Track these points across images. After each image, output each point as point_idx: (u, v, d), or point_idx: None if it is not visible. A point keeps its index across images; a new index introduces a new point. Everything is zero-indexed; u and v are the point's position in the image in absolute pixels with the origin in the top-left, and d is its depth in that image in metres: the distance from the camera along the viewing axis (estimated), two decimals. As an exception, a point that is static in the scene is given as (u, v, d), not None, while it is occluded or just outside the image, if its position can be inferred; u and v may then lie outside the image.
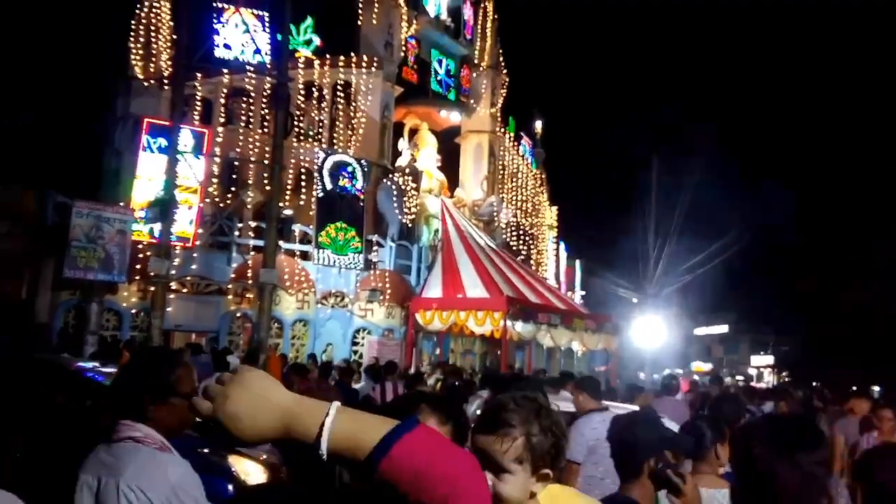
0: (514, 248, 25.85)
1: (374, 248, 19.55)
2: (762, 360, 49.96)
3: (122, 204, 16.03)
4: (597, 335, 20.03)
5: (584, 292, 36.27)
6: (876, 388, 29.56)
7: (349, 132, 20.64)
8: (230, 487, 5.18)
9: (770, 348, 51.16)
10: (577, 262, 36.89)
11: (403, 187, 20.21)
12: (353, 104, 20.78)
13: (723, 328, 50.65)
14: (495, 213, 24.60)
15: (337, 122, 20.66)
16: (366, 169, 19.47)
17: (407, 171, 21.38)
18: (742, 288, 41.13)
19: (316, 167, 18.80)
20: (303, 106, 20.18)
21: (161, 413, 2.31)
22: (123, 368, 2.48)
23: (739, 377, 40.31)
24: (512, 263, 20.94)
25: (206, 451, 5.61)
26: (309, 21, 20.55)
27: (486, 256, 19.74)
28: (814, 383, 25.23)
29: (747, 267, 35.52)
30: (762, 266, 40.06)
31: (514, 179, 28.75)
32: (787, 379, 40.84)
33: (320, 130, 20.45)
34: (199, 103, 18.58)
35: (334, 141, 20.35)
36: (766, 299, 44.94)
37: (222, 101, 19.01)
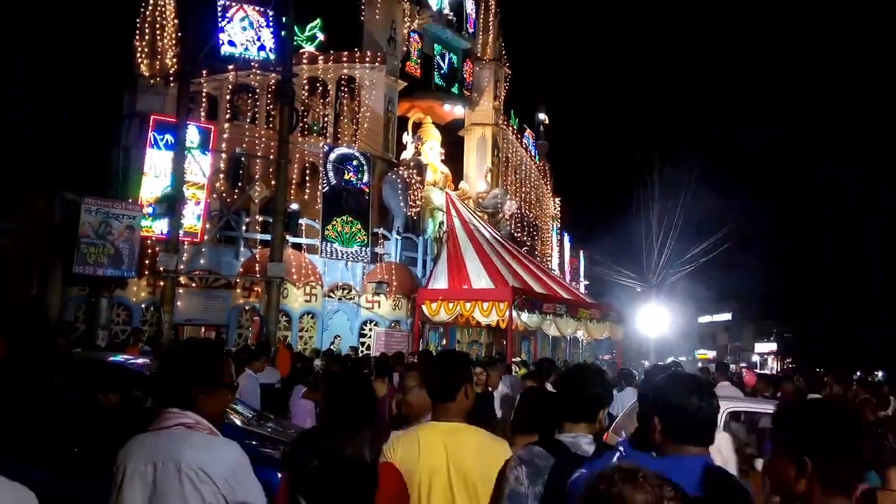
0: (519, 239, 26.01)
1: (380, 240, 19.72)
2: (766, 347, 50.11)
3: (130, 200, 16.21)
4: (601, 324, 20.17)
5: (587, 282, 36.45)
6: (880, 373, 29.70)
7: (354, 127, 20.79)
8: (279, 475, 5.35)
9: (773, 335, 51.33)
10: (581, 253, 37.02)
11: (408, 180, 20.36)
12: (358, 99, 20.92)
13: (726, 316, 50.81)
14: (499, 205, 24.73)
15: (341, 117, 20.81)
16: (371, 163, 19.62)
17: (411, 164, 21.53)
18: (745, 276, 41.20)
19: (321, 161, 18.96)
20: (307, 101, 20.33)
21: (208, 402, 2.44)
22: (168, 360, 2.62)
23: (743, 364, 40.51)
24: (516, 254, 21.08)
25: (253, 442, 5.73)
26: (318, 21, 20.76)
27: (490, 248, 19.88)
28: (817, 369, 25.38)
29: (750, 255, 35.64)
30: (766, 254, 40.18)
31: (518, 171, 28.90)
32: (790, 365, 41.00)
33: (325, 125, 20.61)
34: (204, 100, 18.75)
35: (339, 135, 20.51)
36: (769, 287, 45.10)
37: (228, 97, 19.17)
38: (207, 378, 2.46)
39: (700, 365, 25.59)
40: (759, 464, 5.65)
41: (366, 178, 19.41)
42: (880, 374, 31.71)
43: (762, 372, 29.84)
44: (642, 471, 1.45)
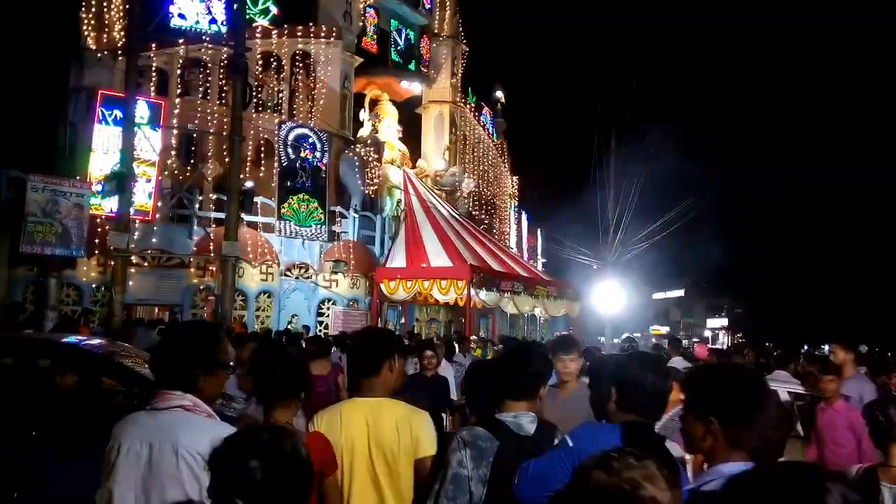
0: (477, 217, 26.06)
1: (338, 219, 19.56)
2: (717, 323, 51.40)
3: (78, 178, 15.74)
4: (558, 301, 20.42)
5: (545, 260, 36.79)
6: (826, 347, 30.71)
7: (309, 103, 20.48)
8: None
9: (724, 311, 52.68)
10: (539, 231, 37.31)
11: (365, 158, 20.20)
12: (313, 75, 20.59)
13: (679, 292, 51.85)
14: (457, 183, 24.72)
15: (296, 93, 20.48)
16: (327, 140, 19.39)
17: (369, 141, 21.35)
18: (698, 253, 42.08)
19: (276, 138, 18.66)
20: (261, 77, 19.93)
21: (208, 383, 2.42)
22: (171, 340, 2.57)
23: (695, 339, 41.50)
24: (475, 232, 21.15)
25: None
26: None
27: (449, 226, 19.90)
28: (766, 343, 26.13)
29: (703, 233, 36.33)
30: (718, 232, 41.01)
31: (476, 149, 28.88)
32: (741, 340, 42.14)
33: (280, 102, 20.25)
34: (154, 74, 18.24)
35: (294, 112, 20.19)
36: (720, 264, 46.16)
37: (178, 71, 18.67)
38: (210, 359, 2.43)
39: (654, 340, 26.15)
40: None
41: (322, 156, 19.19)
42: (826, 347, 32.81)
43: (713, 346, 30.62)
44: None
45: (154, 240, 16.77)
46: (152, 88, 18.06)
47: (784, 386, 6.95)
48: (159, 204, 17.03)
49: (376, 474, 2.87)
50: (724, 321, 50.89)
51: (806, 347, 32.79)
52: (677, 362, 10.38)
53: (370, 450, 2.89)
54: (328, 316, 18.45)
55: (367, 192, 20.11)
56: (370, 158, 20.39)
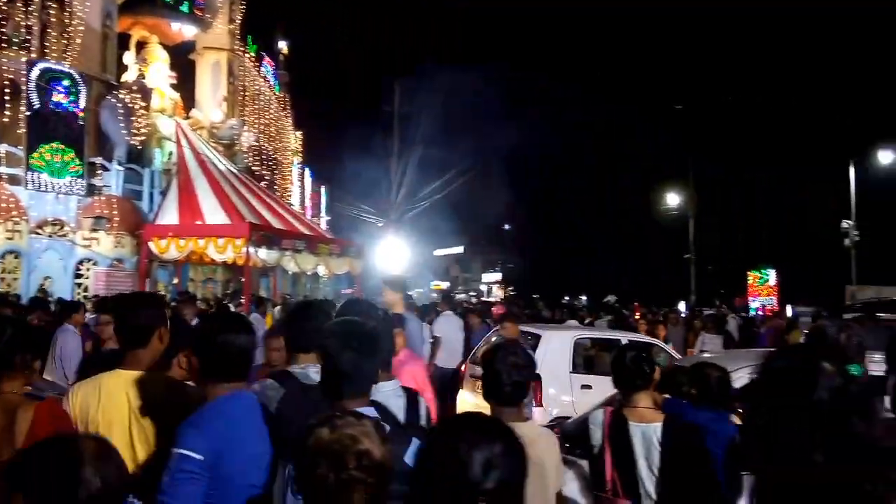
0: (257, 173, 25.17)
1: (99, 171, 17.90)
2: (492, 277, 54.82)
3: None
4: (341, 259, 20.47)
5: (329, 217, 36.66)
6: (584, 298, 34.02)
7: (64, 41, 18.30)
8: None
9: (498, 266, 56.31)
10: (323, 188, 37.01)
11: (131, 105, 18.60)
12: (69, 10, 18.40)
13: (459, 249, 54.39)
14: (236, 137, 23.66)
15: (49, 29, 18.18)
16: (85, 83, 17.55)
17: (134, 87, 19.64)
18: (476, 211, 44.35)
19: (23, 79, 16.53)
20: (5, 8, 17.45)
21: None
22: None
23: (473, 293, 43.97)
24: (254, 189, 20.45)
25: None
26: None
27: (226, 181, 19.05)
28: (533, 296, 28.36)
29: (482, 191, 38.24)
30: (494, 192, 43.38)
31: (256, 102, 27.75)
32: (512, 292, 45.37)
33: (28, 38, 17.85)
34: None
35: (46, 50, 17.94)
36: (495, 222, 49.16)
37: None
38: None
39: (434, 295, 27.13)
40: None
41: (79, 101, 17.38)
42: (584, 298, 36.39)
43: (488, 300, 32.65)
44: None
45: None
46: None
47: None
48: None
49: (135, 453, 2.70)
50: (499, 276, 54.38)
51: (567, 298, 36.09)
52: (448, 317, 10.95)
53: (131, 427, 2.72)
54: (88, 278, 16.95)
55: (132, 142, 18.57)
56: (136, 106, 18.81)
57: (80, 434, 1.95)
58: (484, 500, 1.33)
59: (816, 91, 50.99)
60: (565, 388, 7.78)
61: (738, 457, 3.58)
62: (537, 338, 8.21)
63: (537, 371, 7.84)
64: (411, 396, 2.99)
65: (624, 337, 8.68)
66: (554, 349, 8.03)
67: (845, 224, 29.87)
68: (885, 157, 29.58)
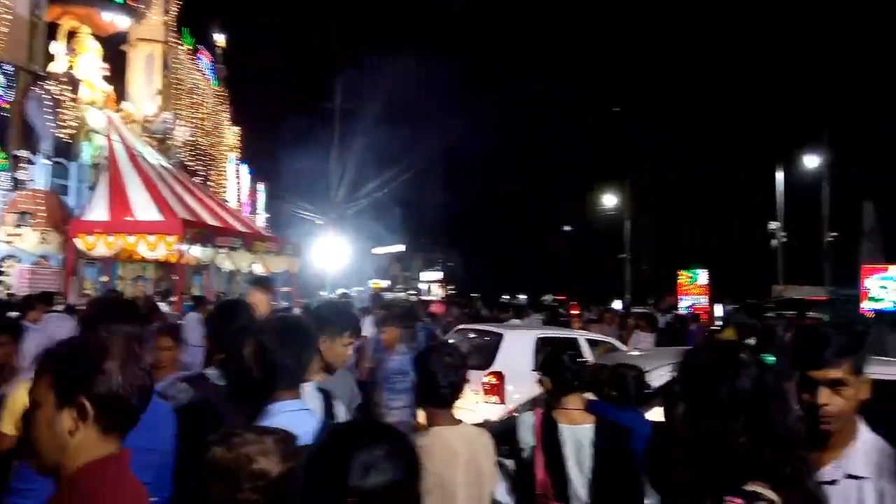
0: (192, 168, 24.61)
1: (23, 165, 17.23)
2: (432, 276, 54.89)
3: None
4: (279, 257, 20.26)
5: (269, 215, 36.11)
6: (522, 296, 34.44)
7: (-12, 29, 17.55)
8: None
9: (439, 265, 56.49)
10: (261, 185, 36.44)
11: (59, 97, 17.97)
12: (-7, -3, 17.66)
13: (400, 248, 54.29)
14: (169, 131, 23.07)
15: (-30, 17, 17.39)
16: (10, 74, 16.89)
17: (63, 78, 18.95)
18: (417, 209, 44.46)
19: (-60, 67, 15.80)
20: (-81, -9, 16.64)
21: None
22: None
23: (412, 291, 43.98)
24: (188, 185, 20.03)
25: None
26: None
27: (158, 177, 18.59)
28: (472, 294, 28.58)
29: (422, 189, 38.29)
30: (436, 190, 43.47)
31: (192, 96, 27.10)
32: (452, 291, 45.56)
33: (-55, 23, 17.07)
34: None
35: (-34, 38, 17.17)
36: (435, 221, 49.31)
37: None
38: None
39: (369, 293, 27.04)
40: None
41: (4, 92, 16.73)
42: (522, 297, 36.86)
43: (428, 298, 32.74)
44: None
45: None
46: None
47: None
48: None
49: None
50: (440, 274, 54.49)
51: (507, 297, 36.46)
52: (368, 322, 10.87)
53: None
54: (10, 276, 16.29)
55: (60, 135, 17.94)
56: (65, 98, 18.18)
57: None
58: (354, 500, 1.26)
59: (746, 95, 52.85)
60: (528, 386, 8.00)
61: (654, 455, 3.67)
62: (499, 336, 8.53)
63: (499, 369, 8.09)
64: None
65: (581, 336, 9.01)
66: (517, 348, 8.37)
67: (772, 225, 31.11)
68: (810, 160, 30.90)
